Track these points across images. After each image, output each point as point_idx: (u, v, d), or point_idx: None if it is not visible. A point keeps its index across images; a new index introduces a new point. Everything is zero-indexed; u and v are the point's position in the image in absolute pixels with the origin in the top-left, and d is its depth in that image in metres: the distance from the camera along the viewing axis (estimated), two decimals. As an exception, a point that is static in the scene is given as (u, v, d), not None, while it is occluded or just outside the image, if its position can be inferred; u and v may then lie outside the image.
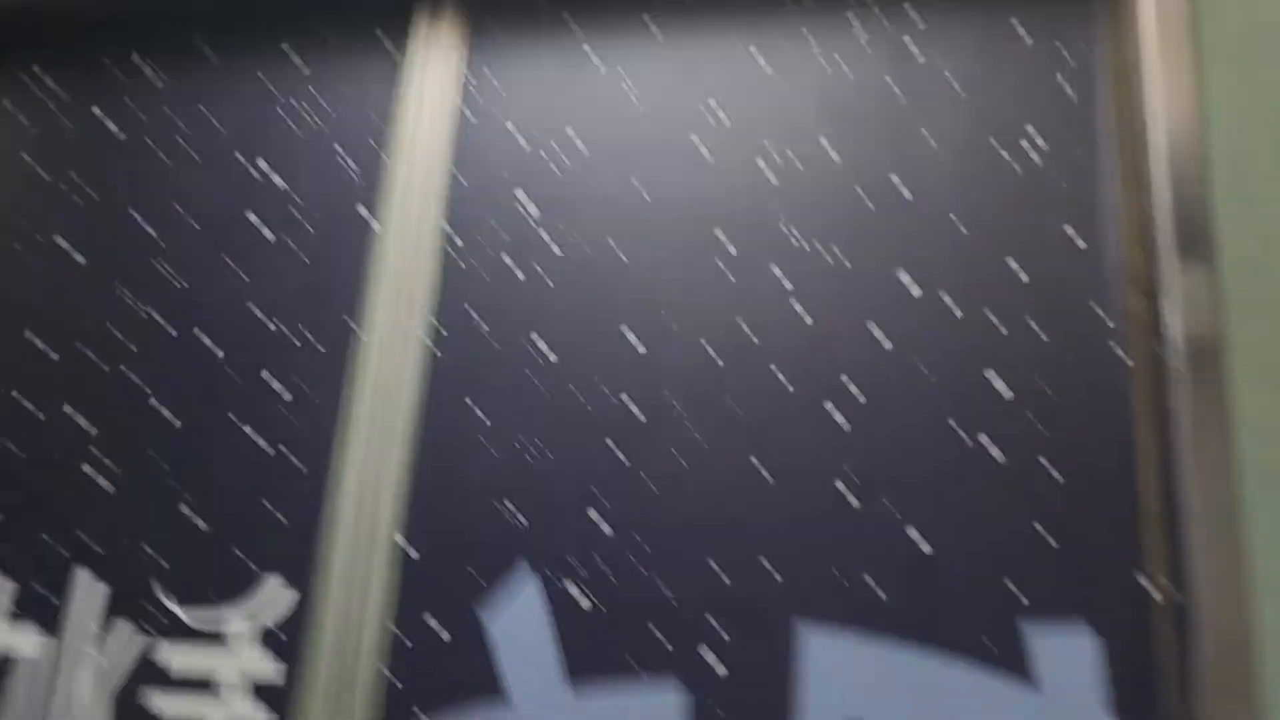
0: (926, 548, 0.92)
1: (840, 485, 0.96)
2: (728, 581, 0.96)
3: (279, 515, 1.08)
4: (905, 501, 0.94)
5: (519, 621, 1.00)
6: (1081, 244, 0.97)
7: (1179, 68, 0.94)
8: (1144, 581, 0.87)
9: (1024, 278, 0.98)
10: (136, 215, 1.22)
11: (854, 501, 0.95)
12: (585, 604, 0.99)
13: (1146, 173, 0.95)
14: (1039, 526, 0.90)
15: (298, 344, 1.13)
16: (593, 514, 1.02)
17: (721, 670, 0.93)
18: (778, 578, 0.95)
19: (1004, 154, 1.01)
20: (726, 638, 0.94)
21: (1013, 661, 0.87)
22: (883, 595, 0.92)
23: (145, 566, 1.09)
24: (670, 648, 0.95)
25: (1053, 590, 0.88)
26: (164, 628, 1.05)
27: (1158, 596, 0.85)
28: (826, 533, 0.95)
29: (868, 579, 0.93)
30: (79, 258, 1.22)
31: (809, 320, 1.02)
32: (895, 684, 0.89)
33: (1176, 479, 0.86)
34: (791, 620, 0.93)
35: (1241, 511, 0.82)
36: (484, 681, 0.99)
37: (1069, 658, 0.86)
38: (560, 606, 0.99)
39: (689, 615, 0.96)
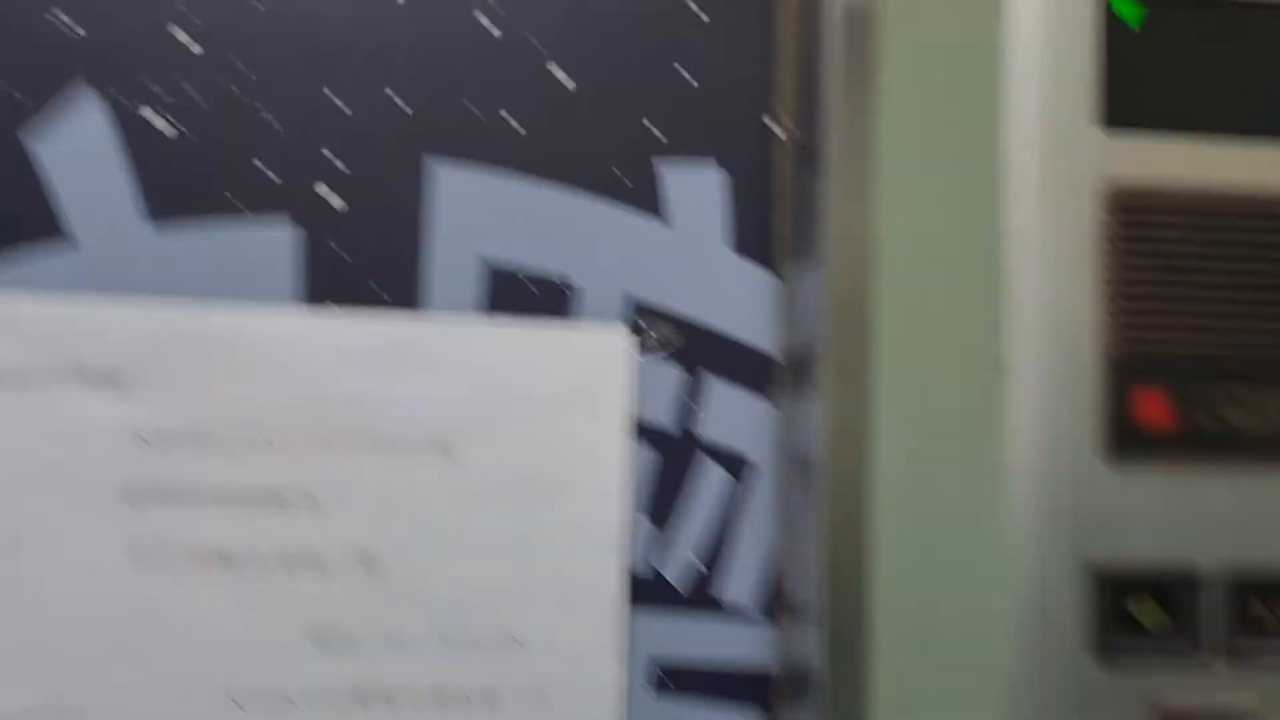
0: (569, 84, 0.87)
1: (479, 14, 0.86)
2: (348, 112, 0.85)
3: None
4: (548, 35, 0.87)
5: (80, 151, 0.81)
6: None
7: None
8: (772, 124, 0.88)
9: None
10: None
11: (495, 31, 0.86)
12: (170, 133, 0.83)
13: None
14: (679, 67, 0.88)
15: None
16: (175, 30, 0.83)
17: (340, 205, 0.84)
18: (406, 110, 0.85)
19: None
20: (347, 172, 0.84)
21: (646, 198, 0.87)
22: (521, 130, 0.86)
23: None
24: (279, 182, 0.83)
25: (688, 130, 0.88)
26: None
27: (783, 137, 0.88)
28: (462, 65, 0.86)
29: (505, 114, 0.86)
30: None
31: None
32: (529, 219, 0.85)
33: (815, 27, 0.87)
34: (420, 155, 0.85)
35: (875, 58, 0.85)
36: (37, 221, 0.80)
37: (699, 194, 0.87)
38: (136, 136, 0.82)
39: (301, 148, 0.84)
